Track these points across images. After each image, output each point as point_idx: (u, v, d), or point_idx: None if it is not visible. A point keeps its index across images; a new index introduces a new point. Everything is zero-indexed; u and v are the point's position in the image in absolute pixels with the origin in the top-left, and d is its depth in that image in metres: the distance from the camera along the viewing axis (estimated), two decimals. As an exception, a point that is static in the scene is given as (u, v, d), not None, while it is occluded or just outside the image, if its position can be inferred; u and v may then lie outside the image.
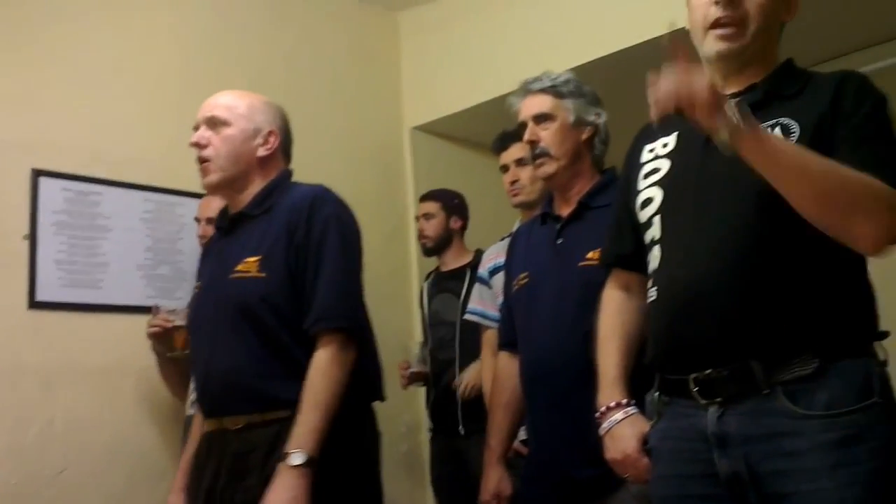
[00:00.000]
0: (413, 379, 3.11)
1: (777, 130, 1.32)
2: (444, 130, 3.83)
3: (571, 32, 3.24)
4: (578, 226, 1.89)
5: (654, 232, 1.44)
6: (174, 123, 3.01)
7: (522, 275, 1.96)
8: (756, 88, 1.39)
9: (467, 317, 2.76)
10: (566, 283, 1.83)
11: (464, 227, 3.20)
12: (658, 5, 2.74)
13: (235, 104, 1.88)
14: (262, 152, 1.87)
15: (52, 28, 2.80)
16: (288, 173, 1.93)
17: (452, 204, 3.18)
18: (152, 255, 2.93)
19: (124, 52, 2.96)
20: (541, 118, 1.93)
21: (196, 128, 1.87)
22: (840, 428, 1.22)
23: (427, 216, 3.17)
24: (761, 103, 1.36)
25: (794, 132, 1.31)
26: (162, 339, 2.57)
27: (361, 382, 1.76)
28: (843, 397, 1.23)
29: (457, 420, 2.93)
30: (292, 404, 1.65)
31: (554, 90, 1.94)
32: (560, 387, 1.79)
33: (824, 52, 3.01)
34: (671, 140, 1.48)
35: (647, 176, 1.48)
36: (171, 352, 2.57)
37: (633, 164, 1.54)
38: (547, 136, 1.91)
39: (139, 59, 2.99)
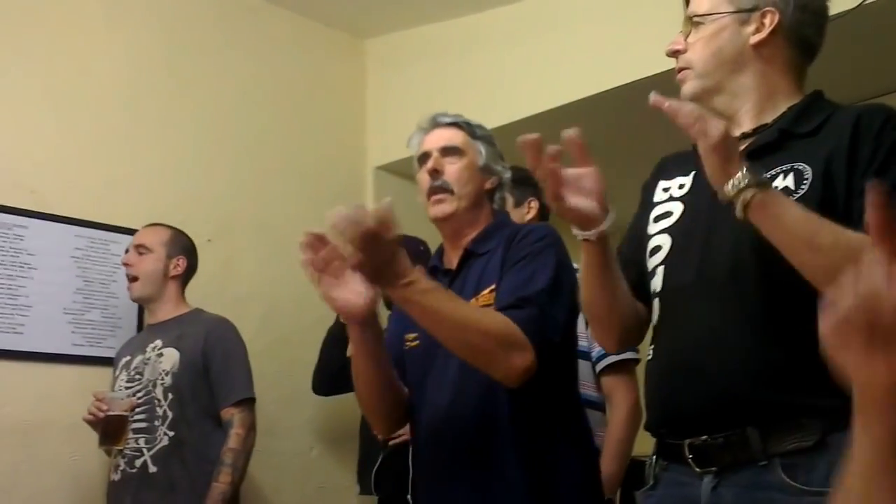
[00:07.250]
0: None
1: (790, 177, 1.23)
2: (411, 171, 3.56)
3: (547, 73, 3.07)
4: (462, 278, 1.71)
5: (657, 283, 1.36)
6: (114, 153, 2.77)
7: (412, 336, 1.75)
8: (769, 127, 1.29)
9: None
10: None
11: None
12: (638, 47, 2.68)
13: None
14: None
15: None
16: None
17: (418, 251, 2.94)
18: (82, 298, 2.64)
19: (57, 73, 2.70)
20: (449, 151, 1.74)
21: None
22: None
23: None
24: (775, 144, 1.27)
25: (806, 179, 1.22)
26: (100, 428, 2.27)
27: None
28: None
29: None
30: None
31: (468, 127, 1.78)
32: (465, 443, 1.62)
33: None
34: (688, 181, 1.38)
35: (657, 220, 1.39)
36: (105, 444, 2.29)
37: (647, 201, 1.44)
38: (453, 171, 1.71)
39: (75, 82, 2.73)
